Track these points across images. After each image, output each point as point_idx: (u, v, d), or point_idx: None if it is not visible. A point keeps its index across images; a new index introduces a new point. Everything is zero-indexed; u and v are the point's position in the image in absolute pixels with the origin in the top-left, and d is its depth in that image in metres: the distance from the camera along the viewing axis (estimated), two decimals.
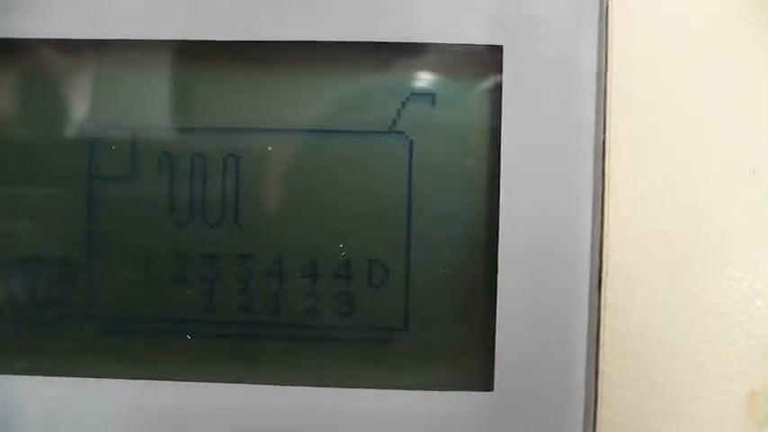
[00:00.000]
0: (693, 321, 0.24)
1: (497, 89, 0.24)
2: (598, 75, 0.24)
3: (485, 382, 0.24)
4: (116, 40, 0.24)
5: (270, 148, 0.25)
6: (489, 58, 0.24)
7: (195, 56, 0.25)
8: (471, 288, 0.25)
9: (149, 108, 0.25)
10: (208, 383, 0.25)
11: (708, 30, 0.24)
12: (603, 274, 0.24)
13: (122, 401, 0.25)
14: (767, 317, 0.24)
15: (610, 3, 0.24)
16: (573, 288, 0.24)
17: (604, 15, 0.24)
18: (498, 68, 0.24)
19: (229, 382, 0.25)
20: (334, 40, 0.24)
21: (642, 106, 0.24)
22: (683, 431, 0.24)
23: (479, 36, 0.24)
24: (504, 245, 0.24)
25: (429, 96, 0.25)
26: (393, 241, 0.25)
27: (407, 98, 0.25)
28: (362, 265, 0.25)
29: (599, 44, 0.24)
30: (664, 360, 0.24)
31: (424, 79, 0.25)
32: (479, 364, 0.24)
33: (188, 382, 0.25)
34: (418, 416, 0.24)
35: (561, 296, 0.24)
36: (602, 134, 0.24)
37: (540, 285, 0.24)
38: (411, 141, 0.25)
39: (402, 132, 0.25)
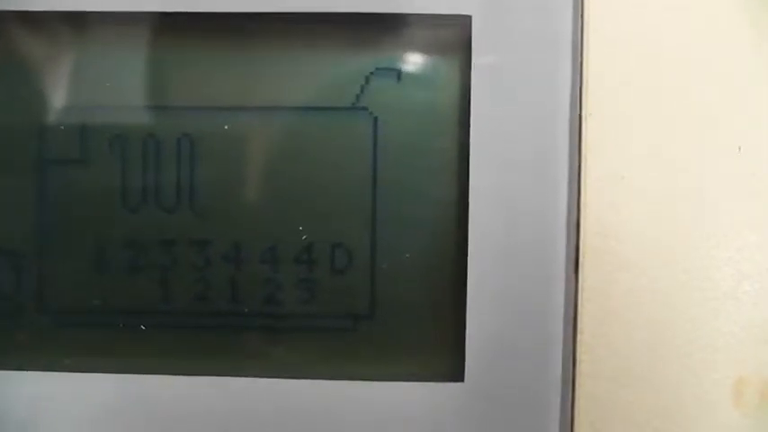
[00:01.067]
0: (677, 306, 0.23)
1: (467, 62, 0.23)
2: (573, 47, 0.23)
3: (455, 372, 0.23)
4: (61, 13, 0.23)
5: (226, 128, 0.24)
6: (458, 30, 0.23)
7: (146, 30, 0.23)
8: (440, 273, 0.23)
9: (99, 87, 0.24)
10: (164, 375, 0.23)
11: (689, 1, 0.23)
12: (581, 257, 0.22)
13: (75, 395, 0.24)
14: (755, 301, 0.23)
15: None
16: (548, 273, 0.23)
17: None
18: (468, 41, 0.23)
19: (186, 374, 0.23)
20: (293, 11, 0.23)
21: (621, 81, 0.23)
22: (667, 423, 0.23)
23: (447, 6, 0.23)
24: (475, 227, 0.23)
25: (394, 71, 0.24)
26: (357, 224, 0.23)
27: (371, 73, 0.24)
28: (325, 250, 0.24)
29: (574, 14, 0.23)
30: (645, 348, 0.23)
31: (389, 53, 0.24)
32: (449, 353, 0.23)
33: (143, 375, 0.23)
34: (385, 408, 0.23)
35: (536, 282, 0.23)
36: (578, 110, 0.23)
37: (513, 270, 0.23)
38: (375, 118, 0.23)
39: (366, 108, 0.24)
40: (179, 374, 0.23)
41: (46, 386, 0.24)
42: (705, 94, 0.23)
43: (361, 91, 0.23)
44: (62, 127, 0.24)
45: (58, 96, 0.24)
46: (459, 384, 0.23)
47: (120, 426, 0.24)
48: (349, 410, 0.23)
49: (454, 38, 0.23)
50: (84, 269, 0.24)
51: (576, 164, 0.23)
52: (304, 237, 0.24)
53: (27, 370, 0.24)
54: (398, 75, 0.24)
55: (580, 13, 0.23)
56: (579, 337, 0.23)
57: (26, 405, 0.24)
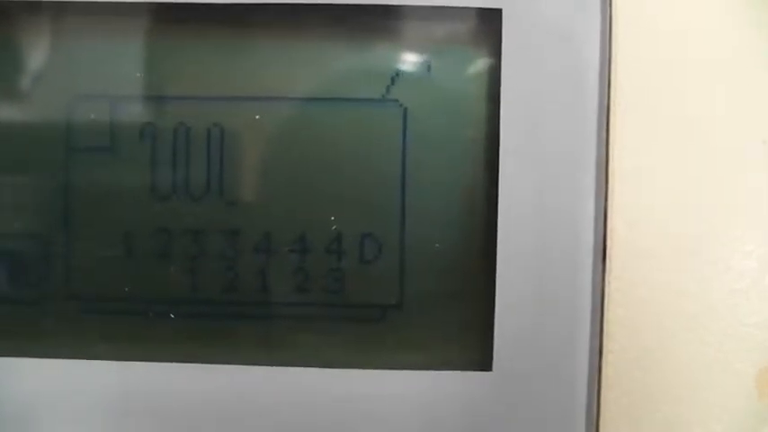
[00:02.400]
0: (701, 297, 0.23)
1: (496, 55, 0.23)
2: (602, 38, 0.23)
3: (483, 361, 0.23)
4: (92, 2, 0.23)
5: (257, 117, 0.24)
6: (488, 23, 0.23)
7: (177, 20, 0.23)
8: (469, 264, 0.24)
9: (130, 76, 0.24)
10: (192, 364, 0.24)
11: None
12: (608, 248, 0.23)
13: (103, 383, 0.24)
14: None
15: None
16: (576, 263, 0.23)
17: None
18: (497, 33, 0.23)
19: (215, 363, 0.23)
20: (325, 2, 0.23)
21: (648, 72, 0.23)
22: (691, 412, 0.23)
23: None
24: (504, 218, 0.23)
25: (425, 63, 0.24)
26: (386, 215, 0.24)
27: (402, 64, 0.24)
28: (354, 240, 0.24)
29: (602, 5, 0.23)
30: (670, 338, 0.23)
31: (419, 45, 0.24)
32: (477, 343, 0.23)
33: (172, 363, 0.24)
34: (413, 397, 0.23)
35: (564, 272, 0.23)
36: (606, 100, 0.23)
37: (541, 261, 0.23)
38: (405, 109, 0.24)
39: (396, 100, 0.24)
40: (207, 363, 0.24)
41: (73, 374, 0.24)
42: (730, 87, 0.23)
43: (392, 83, 0.24)
44: (92, 115, 0.24)
45: (87, 85, 0.24)
46: (487, 373, 0.23)
47: (147, 413, 0.24)
48: (377, 399, 0.23)
49: (484, 30, 0.23)
50: (112, 257, 0.24)
51: (604, 155, 0.23)
52: (334, 227, 0.24)
53: (54, 357, 0.24)
54: (429, 66, 0.24)
55: (608, 4, 0.23)
56: (605, 326, 0.23)
57: (54, 392, 0.24)
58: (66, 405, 0.24)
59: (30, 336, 0.24)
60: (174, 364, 0.24)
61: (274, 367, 0.24)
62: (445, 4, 0.23)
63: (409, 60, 0.24)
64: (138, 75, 0.24)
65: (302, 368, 0.24)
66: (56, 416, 0.24)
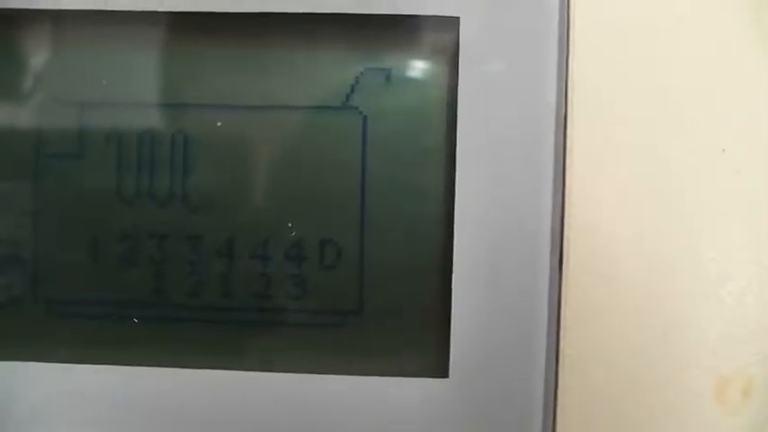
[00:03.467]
0: (661, 305, 0.23)
1: (454, 62, 0.23)
2: (560, 46, 0.23)
3: (440, 368, 0.23)
4: (62, 11, 0.24)
5: (219, 125, 0.24)
6: (446, 31, 0.23)
7: (140, 29, 0.24)
8: (427, 270, 0.24)
9: (97, 83, 0.24)
10: (156, 368, 0.24)
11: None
12: (564, 252, 0.23)
13: (67, 386, 0.24)
14: (739, 301, 0.23)
15: None
16: (533, 270, 0.23)
17: None
18: (455, 41, 0.23)
19: (178, 367, 0.24)
20: (285, 11, 0.23)
21: (606, 79, 0.23)
22: (650, 418, 0.23)
23: (435, 7, 0.23)
24: (460, 224, 0.23)
25: (384, 71, 0.24)
26: (346, 221, 0.24)
27: (361, 72, 0.24)
28: (314, 246, 0.24)
29: (560, 14, 0.23)
30: (629, 345, 0.23)
31: (379, 53, 0.24)
32: (434, 349, 0.23)
33: (135, 367, 0.24)
34: (371, 403, 0.23)
35: (520, 277, 0.23)
36: (563, 108, 0.23)
37: (498, 267, 0.23)
38: (365, 117, 0.24)
39: (356, 108, 0.24)
40: (170, 366, 0.24)
41: (39, 376, 0.24)
42: (689, 93, 0.23)
43: (352, 90, 0.24)
44: (60, 122, 0.24)
45: (56, 92, 0.25)
46: (444, 380, 0.23)
47: (110, 416, 0.24)
48: (336, 404, 0.24)
49: (442, 39, 0.24)
50: (78, 261, 0.24)
51: (562, 160, 0.23)
52: (293, 233, 0.24)
53: (19, 360, 0.24)
54: (388, 75, 0.24)
55: (566, 12, 0.23)
56: (562, 331, 0.23)
57: (18, 395, 0.24)
58: (30, 407, 0.24)
59: None
60: (138, 368, 0.24)
61: (236, 371, 0.24)
62: (404, 13, 0.23)
63: (369, 68, 0.24)
64: (104, 82, 0.24)
65: (263, 372, 0.24)
66: (20, 418, 0.24)
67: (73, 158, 0.24)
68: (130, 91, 0.24)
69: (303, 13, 0.23)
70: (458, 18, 0.23)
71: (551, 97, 0.23)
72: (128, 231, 0.24)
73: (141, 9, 0.23)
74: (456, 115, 0.23)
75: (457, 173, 0.23)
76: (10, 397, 0.24)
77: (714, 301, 0.23)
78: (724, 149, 0.23)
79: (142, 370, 0.24)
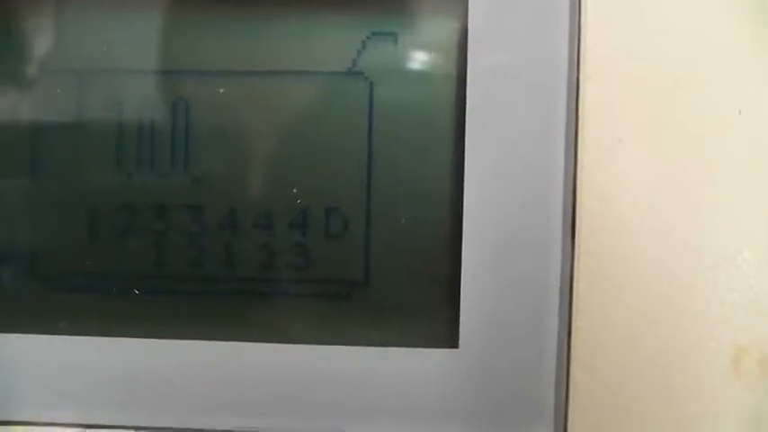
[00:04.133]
0: (675, 273, 0.22)
1: (463, 26, 0.23)
2: (571, 8, 0.22)
3: (449, 338, 0.23)
4: None
5: (221, 91, 0.23)
6: None
7: None
8: (436, 239, 0.23)
9: (95, 50, 0.24)
10: (158, 340, 0.23)
11: None
12: (577, 222, 0.22)
13: (69, 358, 0.23)
14: (756, 268, 0.23)
15: None
16: (544, 238, 0.23)
17: None
18: (464, 4, 0.23)
19: (181, 339, 0.23)
20: None
21: (620, 43, 0.22)
22: (664, 391, 0.22)
23: None
24: (470, 194, 0.23)
25: (391, 36, 0.23)
26: (352, 189, 0.23)
27: (368, 37, 0.23)
28: (320, 215, 0.23)
29: None
30: (641, 315, 0.22)
31: (385, 17, 0.23)
32: (444, 320, 0.23)
33: (137, 339, 0.23)
34: (380, 374, 0.23)
35: (531, 247, 0.23)
36: (576, 74, 0.22)
37: (508, 236, 0.23)
38: (371, 83, 0.23)
39: (362, 73, 0.23)
40: (172, 338, 0.23)
41: (40, 349, 0.23)
42: (706, 58, 0.22)
43: (358, 55, 0.23)
44: (58, 90, 0.24)
45: (54, 60, 0.24)
46: (453, 350, 0.23)
47: (111, 388, 0.23)
48: (343, 375, 0.23)
49: (452, 2, 0.23)
50: (77, 234, 0.24)
51: (574, 128, 0.22)
52: (299, 201, 0.23)
53: (19, 332, 0.24)
54: (395, 39, 0.23)
55: None
56: (574, 302, 0.22)
57: (19, 368, 0.24)
58: (31, 379, 0.24)
59: None
60: (140, 340, 0.23)
61: (240, 342, 0.23)
62: None
63: (375, 32, 0.23)
64: (104, 49, 0.24)
65: (268, 344, 0.23)
66: (18, 389, 0.24)
67: (70, 127, 0.24)
68: (131, 58, 0.24)
69: None
70: None
71: (564, 61, 0.23)
72: (128, 202, 0.24)
73: None
74: (465, 80, 0.23)
75: (466, 139, 0.22)
76: (11, 369, 0.23)
77: (731, 270, 0.22)
78: (740, 111, 0.23)
79: (144, 342, 0.23)
